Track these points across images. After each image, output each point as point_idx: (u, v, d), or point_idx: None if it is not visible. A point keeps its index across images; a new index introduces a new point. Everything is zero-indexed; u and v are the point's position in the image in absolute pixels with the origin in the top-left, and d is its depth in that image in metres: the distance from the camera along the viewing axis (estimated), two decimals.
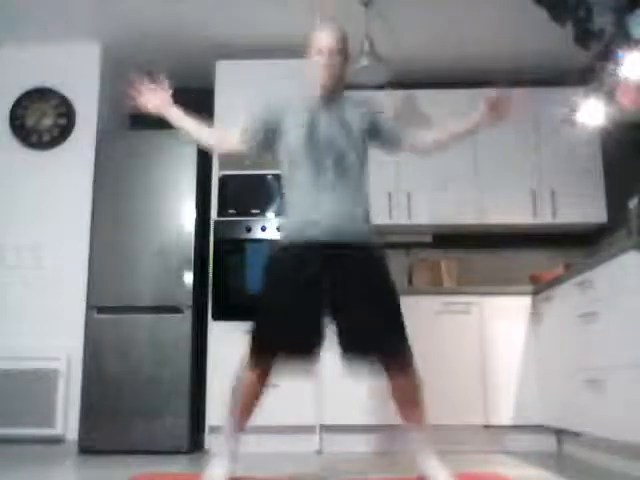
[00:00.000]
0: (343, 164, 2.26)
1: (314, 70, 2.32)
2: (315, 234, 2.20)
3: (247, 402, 2.25)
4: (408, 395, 2.26)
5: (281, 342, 2.17)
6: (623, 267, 2.47)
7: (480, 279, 4.15)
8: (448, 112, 4.02)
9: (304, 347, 2.20)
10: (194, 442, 3.51)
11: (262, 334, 2.21)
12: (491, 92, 2.45)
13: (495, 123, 2.45)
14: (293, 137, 2.29)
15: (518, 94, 2.44)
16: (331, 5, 3.41)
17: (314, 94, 2.35)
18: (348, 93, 2.42)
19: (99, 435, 3.39)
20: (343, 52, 2.33)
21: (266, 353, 2.20)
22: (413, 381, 2.25)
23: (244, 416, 2.26)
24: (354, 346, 2.18)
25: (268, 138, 2.38)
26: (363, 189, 2.32)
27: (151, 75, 2.49)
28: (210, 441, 3.44)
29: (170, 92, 2.46)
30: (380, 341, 2.16)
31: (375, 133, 2.39)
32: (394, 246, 4.18)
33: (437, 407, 3.43)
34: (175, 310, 3.55)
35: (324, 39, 2.30)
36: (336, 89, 2.34)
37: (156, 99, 2.45)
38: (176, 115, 2.45)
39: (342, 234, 2.21)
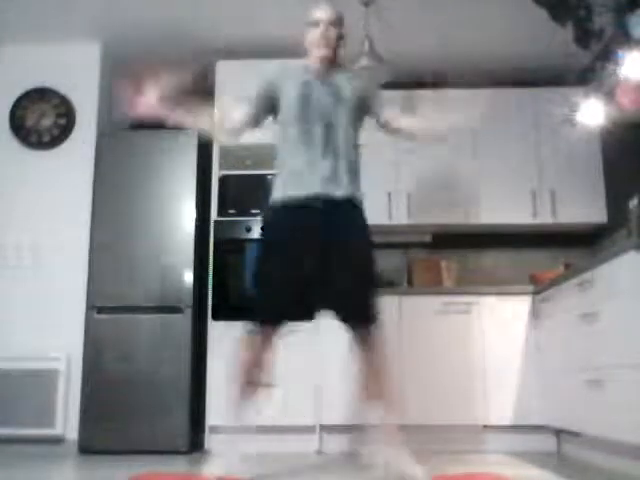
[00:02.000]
0: (333, 130, 2.40)
1: (310, 41, 2.49)
2: (304, 195, 2.34)
3: (253, 368, 2.35)
4: (372, 367, 2.33)
5: (281, 309, 2.32)
6: (623, 267, 2.47)
7: (480, 279, 4.15)
8: (448, 112, 4.04)
9: (301, 312, 2.37)
10: (194, 442, 3.51)
11: (263, 302, 2.35)
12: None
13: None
14: (287, 102, 2.44)
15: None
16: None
17: (311, 64, 2.50)
18: (344, 70, 2.57)
19: (99, 435, 3.39)
20: (338, 25, 2.50)
21: (269, 320, 2.34)
22: (378, 352, 2.33)
23: (251, 383, 2.35)
24: (333, 306, 2.33)
25: (267, 104, 2.53)
26: (352, 155, 2.44)
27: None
28: (210, 441, 3.44)
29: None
30: (349, 307, 2.30)
31: (363, 104, 2.51)
32: (394, 246, 4.18)
33: (437, 407, 3.44)
34: (175, 310, 3.55)
35: (320, 12, 2.49)
36: (331, 61, 2.50)
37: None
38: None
39: (329, 196, 2.33)
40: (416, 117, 2.79)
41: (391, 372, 2.36)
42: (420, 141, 2.70)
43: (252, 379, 2.36)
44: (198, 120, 2.60)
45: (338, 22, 2.51)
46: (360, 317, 2.31)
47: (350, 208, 2.39)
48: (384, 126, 2.58)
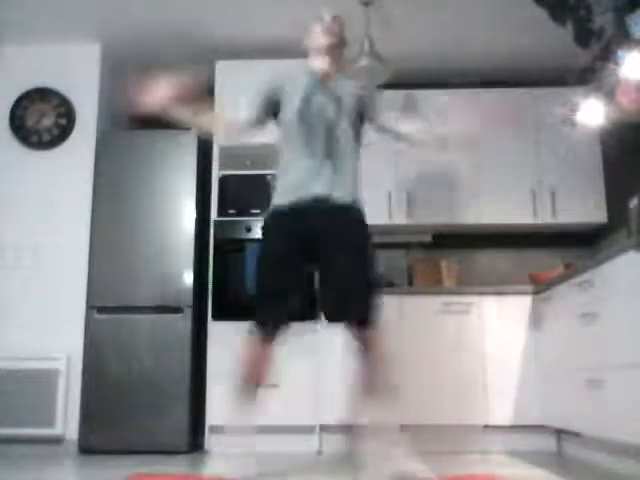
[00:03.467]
0: (333, 135, 2.42)
1: (312, 45, 2.54)
2: (304, 198, 2.35)
3: (254, 369, 2.36)
4: (369, 366, 2.34)
5: (279, 310, 2.36)
6: (623, 267, 2.47)
7: (480, 279, 4.15)
8: (448, 112, 4.04)
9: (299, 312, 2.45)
10: (194, 442, 3.51)
11: (262, 303, 2.38)
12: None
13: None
14: (289, 107, 2.46)
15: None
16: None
17: (312, 67, 2.54)
18: (344, 72, 2.63)
19: (99, 435, 3.39)
20: (340, 29, 2.54)
21: (267, 321, 2.37)
22: (376, 351, 2.33)
23: (253, 383, 2.36)
24: (329, 307, 2.39)
25: (270, 107, 2.55)
26: (353, 159, 2.47)
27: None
28: (210, 441, 3.44)
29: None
30: (348, 307, 2.32)
31: (362, 106, 2.54)
32: (394, 246, 4.18)
33: (437, 407, 3.44)
34: (175, 310, 3.55)
35: (322, 16, 2.53)
36: (333, 64, 2.53)
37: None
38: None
39: (328, 201, 2.35)
40: (416, 120, 2.82)
41: (390, 371, 2.36)
42: (418, 146, 2.71)
43: (253, 380, 2.36)
44: (200, 119, 2.62)
45: (340, 27, 2.54)
46: (358, 317, 2.32)
47: (350, 211, 2.40)
48: (380, 129, 2.61)
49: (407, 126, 2.61)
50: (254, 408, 2.36)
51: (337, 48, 2.54)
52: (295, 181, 2.39)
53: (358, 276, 2.32)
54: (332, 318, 2.44)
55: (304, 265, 2.39)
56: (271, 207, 2.46)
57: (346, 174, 2.41)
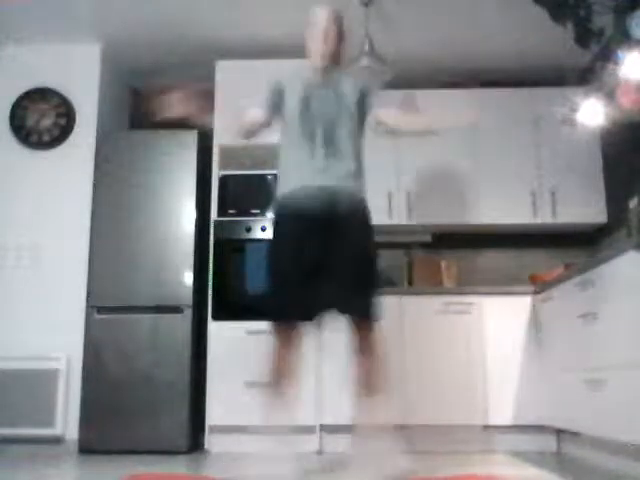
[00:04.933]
0: (334, 133, 2.42)
1: (310, 41, 2.53)
2: (306, 198, 2.35)
3: (280, 367, 2.37)
4: (367, 364, 2.34)
5: (294, 308, 2.34)
6: (623, 267, 2.47)
7: (480, 279, 4.15)
8: (448, 112, 4.04)
9: (308, 309, 2.37)
10: (194, 442, 3.51)
11: (274, 301, 2.38)
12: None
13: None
14: (290, 106, 2.48)
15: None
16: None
17: (312, 67, 2.54)
18: (344, 69, 2.62)
19: (99, 435, 3.39)
20: (338, 24, 2.54)
21: (284, 321, 2.37)
22: (374, 350, 2.34)
23: (280, 383, 2.37)
24: (334, 300, 2.35)
25: (275, 107, 2.56)
26: (355, 157, 2.46)
27: None
28: (210, 441, 3.44)
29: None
30: (349, 303, 2.32)
31: (362, 102, 2.53)
32: (394, 246, 4.18)
33: (437, 407, 3.44)
34: (175, 310, 3.55)
35: (319, 11, 2.54)
36: (332, 60, 2.53)
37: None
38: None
39: (331, 199, 2.34)
40: (413, 114, 2.84)
41: (388, 370, 2.36)
42: (406, 131, 2.72)
43: (277, 379, 2.37)
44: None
45: (337, 20, 2.54)
46: (360, 312, 2.32)
47: (353, 205, 2.40)
48: (375, 120, 2.58)
49: (398, 117, 2.60)
50: (284, 407, 2.38)
51: (336, 44, 2.53)
52: (297, 175, 2.41)
53: (362, 273, 2.33)
54: (335, 306, 2.36)
55: (309, 258, 2.34)
56: (276, 201, 2.48)
57: (350, 168, 2.42)
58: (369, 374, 2.33)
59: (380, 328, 2.35)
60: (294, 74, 2.57)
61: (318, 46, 2.51)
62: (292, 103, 2.48)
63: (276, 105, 2.56)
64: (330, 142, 2.41)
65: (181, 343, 3.50)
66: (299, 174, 2.40)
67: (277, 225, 2.44)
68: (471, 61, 4.14)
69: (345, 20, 2.59)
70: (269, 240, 2.50)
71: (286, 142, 2.51)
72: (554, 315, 3.26)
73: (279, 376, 2.38)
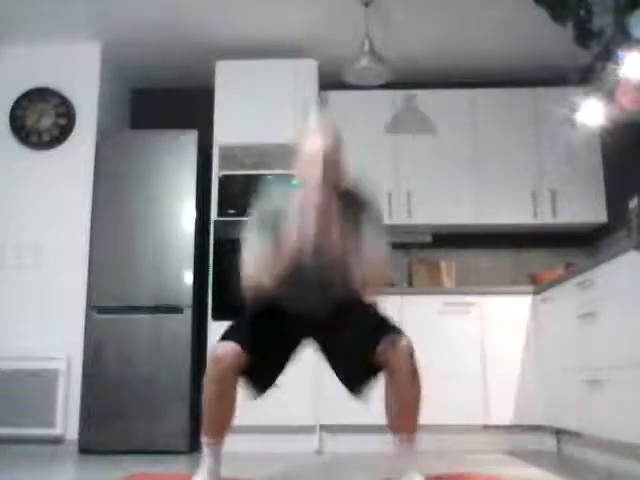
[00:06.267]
0: (329, 283, 2.16)
1: (304, 180, 2.09)
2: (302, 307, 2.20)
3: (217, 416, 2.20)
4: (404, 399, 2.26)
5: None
6: (623, 267, 2.47)
7: (480, 279, 4.14)
8: (448, 112, 4.04)
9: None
10: (194, 442, 3.50)
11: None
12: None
13: None
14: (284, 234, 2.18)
15: None
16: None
17: (303, 202, 2.11)
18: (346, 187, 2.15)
19: (99, 435, 3.39)
20: (336, 153, 2.08)
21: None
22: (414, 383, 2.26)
23: (215, 430, 2.16)
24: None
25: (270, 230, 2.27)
26: (352, 269, 2.11)
27: None
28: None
29: None
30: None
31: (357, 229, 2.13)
32: (394, 246, 4.16)
33: (437, 407, 3.43)
34: (175, 310, 3.55)
35: (314, 143, 2.06)
36: (329, 199, 2.06)
37: None
38: None
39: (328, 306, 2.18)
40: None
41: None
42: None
43: (217, 430, 2.17)
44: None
45: (336, 149, 2.07)
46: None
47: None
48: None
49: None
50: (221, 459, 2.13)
51: (334, 176, 2.05)
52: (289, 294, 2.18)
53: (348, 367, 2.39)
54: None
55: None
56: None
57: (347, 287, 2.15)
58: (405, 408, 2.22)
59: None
60: (279, 202, 2.25)
61: (312, 194, 2.04)
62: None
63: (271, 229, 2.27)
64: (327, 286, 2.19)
65: (181, 343, 3.50)
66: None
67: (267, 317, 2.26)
68: (471, 61, 4.14)
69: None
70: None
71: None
72: (554, 315, 3.26)
73: (218, 425, 2.15)
